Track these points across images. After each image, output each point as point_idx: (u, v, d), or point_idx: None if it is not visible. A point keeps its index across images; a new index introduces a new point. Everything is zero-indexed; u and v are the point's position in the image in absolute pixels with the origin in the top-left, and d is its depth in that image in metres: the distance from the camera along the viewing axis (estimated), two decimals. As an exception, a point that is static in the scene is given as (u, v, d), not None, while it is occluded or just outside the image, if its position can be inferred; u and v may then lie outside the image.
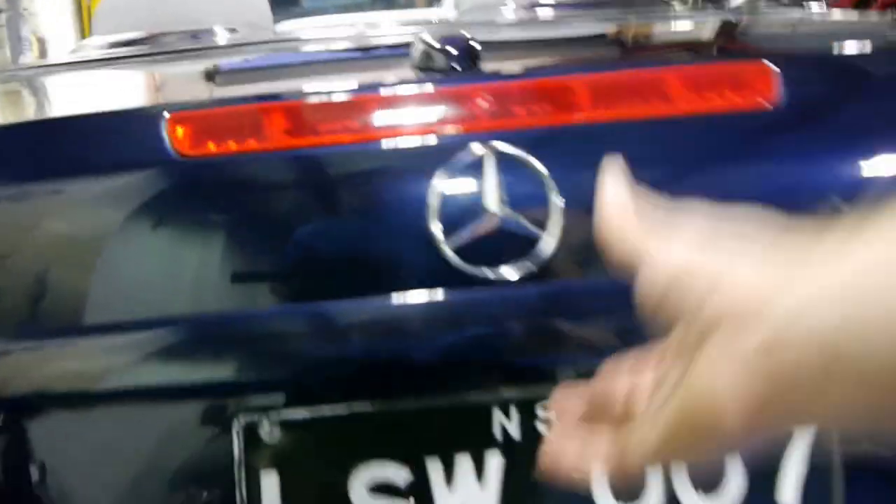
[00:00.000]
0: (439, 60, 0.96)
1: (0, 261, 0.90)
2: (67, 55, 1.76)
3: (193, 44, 1.57)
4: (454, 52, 0.95)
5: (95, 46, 1.68)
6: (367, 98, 0.93)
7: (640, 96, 0.94)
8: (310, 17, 2.40)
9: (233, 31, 1.68)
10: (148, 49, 1.58)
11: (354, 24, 1.63)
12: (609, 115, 0.94)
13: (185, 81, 1.32)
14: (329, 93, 0.94)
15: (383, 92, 0.93)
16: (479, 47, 0.97)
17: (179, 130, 0.91)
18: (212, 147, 0.91)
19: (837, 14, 1.68)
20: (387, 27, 1.68)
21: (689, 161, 0.96)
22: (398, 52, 1.12)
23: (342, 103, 0.93)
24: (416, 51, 0.99)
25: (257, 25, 1.73)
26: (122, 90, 1.33)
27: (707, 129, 0.95)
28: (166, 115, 0.92)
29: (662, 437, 0.49)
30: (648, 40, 1.47)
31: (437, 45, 0.96)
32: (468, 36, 0.97)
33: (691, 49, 1.36)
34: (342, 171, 0.93)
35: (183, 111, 0.93)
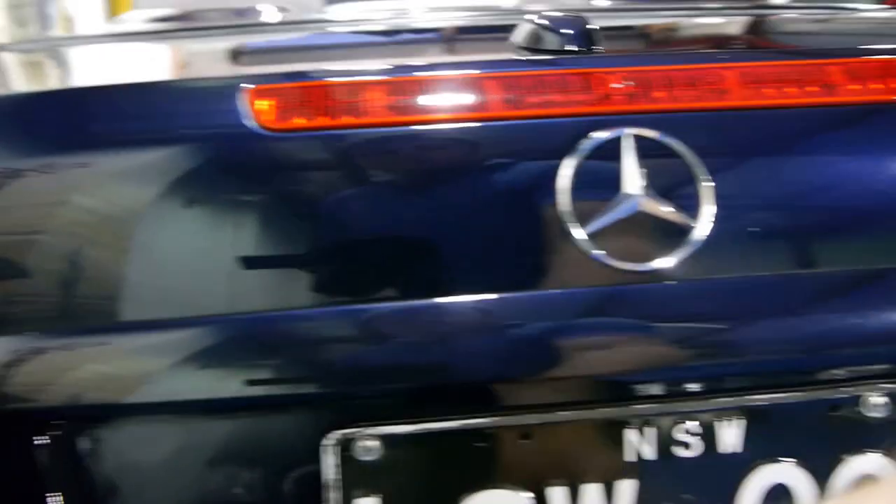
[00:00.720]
0: (552, 41, 0.89)
1: (58, 243, 0.79)
2: (108, 27, 1.66)
3: (242, 21, 1.47)
4: (572, 33, 0.89)
5: (138, 20, 1.58)
6: (486, 75, 0.84)
7: (795, 84, 0.88)
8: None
9: (283, 10, 1.58)
10: (195, 24, 1.48)
11: (409, 8, 1.57)
12: (757, 103, 0.87)
13: (245, 56, 1.21)
14: (438, 66, 0.86)
15: (507, 69, 0.85)
16: (596, 29, 0.91)
17: (264, 103, 0.80)
18: (301, 121, 0.81)
19: None
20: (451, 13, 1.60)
21: (847, 149, 0.89)
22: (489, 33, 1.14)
23: (455, 78, 0.84)
24: (524, 31, 0.93)
25: (307, 6, 1.64)
26: (180, 62, 1.22)
27: (866, 119, 0.89)
28: (247, 86, 0.82)
29: None
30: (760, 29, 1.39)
31: (554, 26, 0.90)
32: (586, 18, 0.92)
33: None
34: (458, 152, 0.83)
35: (268, 83, 0.83)
